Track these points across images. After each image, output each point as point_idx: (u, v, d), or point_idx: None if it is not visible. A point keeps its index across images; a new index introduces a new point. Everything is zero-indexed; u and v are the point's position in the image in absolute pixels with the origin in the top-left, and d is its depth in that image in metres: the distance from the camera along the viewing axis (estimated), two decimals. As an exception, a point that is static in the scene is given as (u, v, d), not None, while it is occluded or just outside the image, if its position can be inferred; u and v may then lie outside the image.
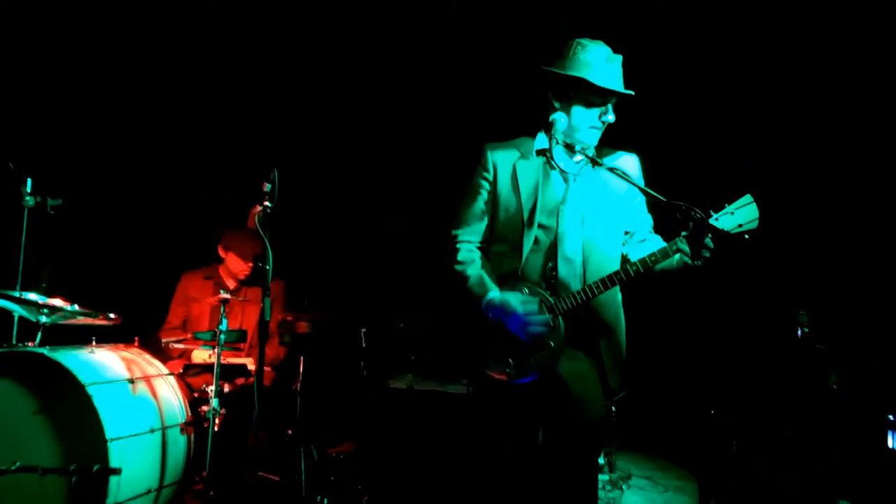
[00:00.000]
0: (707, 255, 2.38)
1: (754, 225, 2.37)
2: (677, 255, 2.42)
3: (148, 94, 4.83)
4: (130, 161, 4.82)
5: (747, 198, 2.39)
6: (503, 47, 4.42)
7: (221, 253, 4.24)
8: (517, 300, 2.56)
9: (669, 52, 4.74)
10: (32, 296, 3.35)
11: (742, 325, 4.64)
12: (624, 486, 4.92)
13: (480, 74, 4.82)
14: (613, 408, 5.23)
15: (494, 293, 2.59)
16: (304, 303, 3.99)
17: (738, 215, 2.37)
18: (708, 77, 4.89)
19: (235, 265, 4.20)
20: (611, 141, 2.77)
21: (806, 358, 3.68)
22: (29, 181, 3.66)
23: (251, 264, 4.19)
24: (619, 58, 2.61)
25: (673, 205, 2.34)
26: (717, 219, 2.37)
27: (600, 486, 4.87)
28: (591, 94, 2.57)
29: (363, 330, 4.27)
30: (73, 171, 4.37)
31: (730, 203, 2.38)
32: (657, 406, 5.43)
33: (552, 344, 2.56)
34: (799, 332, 3.89)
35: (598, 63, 2.55)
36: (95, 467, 2.75)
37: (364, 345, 4.27)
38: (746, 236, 2.37)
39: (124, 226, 4.76)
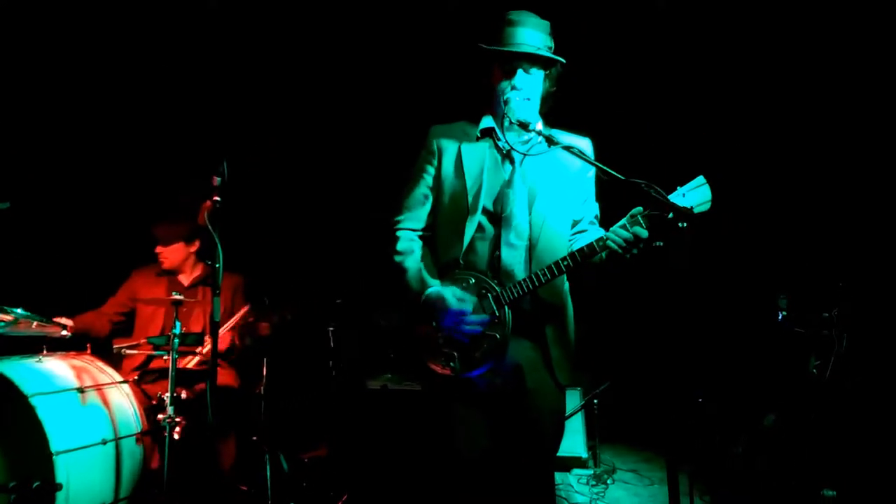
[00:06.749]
0: (635, 251, 2.31)
1: (706, 207, 2.29)
2: (612, 245, 2.33)
3: (90, 91, 4.65)
4: (76, 162, 4.64)
5: (700, 179, 2.31)
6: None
7: (157, 250, 4.06)
8: (453, 296, 2.43)
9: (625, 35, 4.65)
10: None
11: (722, 311, 4.53)
12: (609, 480, 4.80)
13: (438, 58, 4.67)
14: (595, 400, 5.14)
15: (432, 289, 2.47)
16: (266, 302, 3.82)
17: (690, 197, 2.28)
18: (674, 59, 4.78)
19: (162, 255, 4.04)
20: (563, 124, 2.65)
21: (786, 343, 3.57)
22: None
23: (174, 246, 4.02)
24: (540, 23, 2.53)
25: (631, 182, 2.21)
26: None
27: (584, 481, 4.77)
28: (531, 65, 2.49)
29: (331, 329, 4.12)
30: (17, 174, 4.19)
31: (681, 185, 2.30)
32: (639, 396, 5.31)
33: (497, 336, 2.43)
34: (780, 316, 3.77)
35: (527, 34, 2.48)
36: (35, 483, 2.59)
37: (332, 344, 4.12)
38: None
39: (74, 230, 4.58)
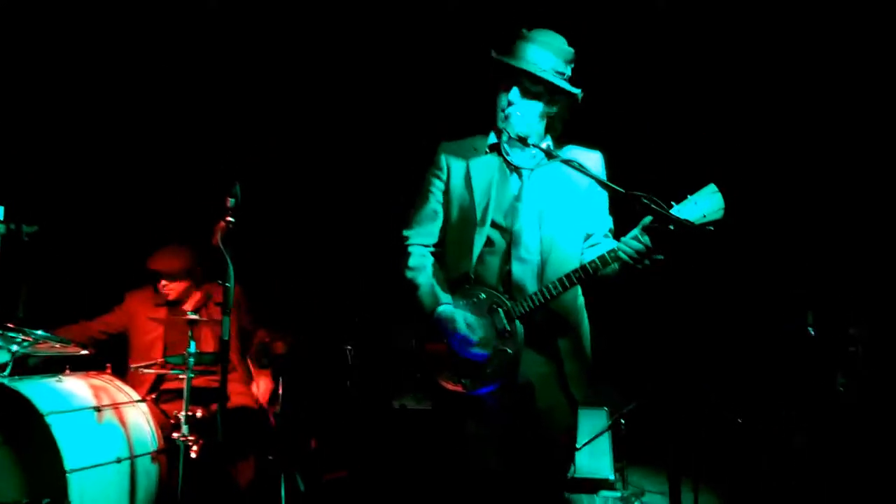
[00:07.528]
0: (647, 262, 2.25)
1: (719, 215, 2.22)
2: (623, 256, 2.28)
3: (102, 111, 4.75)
4: (100, 187, 4.73)
5: (711, 187, 2.25)
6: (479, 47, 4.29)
7: (162, 284, 3.97)
8: (462, 318, 2.41)
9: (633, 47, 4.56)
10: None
11: (747, 327, 4.38)
12: (637, 503, 4.67)
13: (453, 70, 4.66)
14: (623, 420, 5.00)
15: (443, 307, 2.45)
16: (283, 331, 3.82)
17: (702, 205, 2.22)
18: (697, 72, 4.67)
19: (167, 287, 3.98)
20: (576, 138, 2.62)
21: (813, 359, 3.43)
22: (1, 209, 3.60)
23: (183, 282, 3.97)
24: (554, 45, 2.46)
25: (632, 195, 2.16)
26: (678, 210, 2.21)
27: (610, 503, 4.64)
28: (532, 84, 2.43)
29: (349, 348, 4.11)
30: (46, 197, 4.29)
31: (692, 194, 2.24)
32: (668, 416, 5.16)
33: (509, 351, 2.40)
34: (811, 332, 3.63)
35: (536, 52, 2.42)
36: (45, 501, 2.62)
37: (350, 363, 4.11)
38: (711, 227, 2.20)
39: (98, 252, 4.65)
